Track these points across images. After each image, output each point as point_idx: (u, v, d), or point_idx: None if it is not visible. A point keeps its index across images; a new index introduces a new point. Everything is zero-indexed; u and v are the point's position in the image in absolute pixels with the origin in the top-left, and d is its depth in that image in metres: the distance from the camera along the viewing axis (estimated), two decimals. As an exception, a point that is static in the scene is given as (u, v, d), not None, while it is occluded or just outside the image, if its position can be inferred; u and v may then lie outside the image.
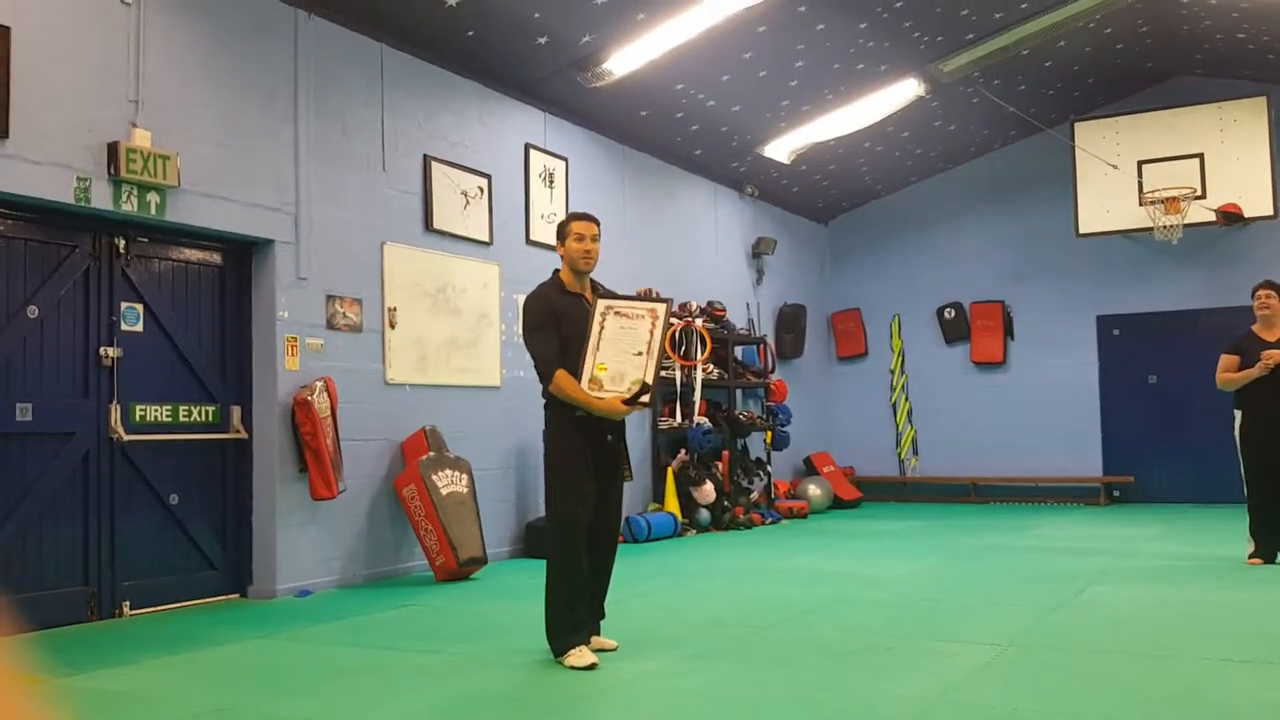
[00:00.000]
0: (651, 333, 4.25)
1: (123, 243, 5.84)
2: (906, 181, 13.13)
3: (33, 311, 5.43)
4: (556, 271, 4.58)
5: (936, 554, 7.71)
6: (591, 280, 4.60)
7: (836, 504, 12.05)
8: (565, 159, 9.02)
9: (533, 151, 8.63)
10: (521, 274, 8.34)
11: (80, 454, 5.59)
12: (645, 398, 4.19)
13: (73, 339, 5.61)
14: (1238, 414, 6.78)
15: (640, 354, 4.21)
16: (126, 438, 5.74)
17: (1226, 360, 6.77)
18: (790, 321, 12.52)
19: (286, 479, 6.41)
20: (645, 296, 4.38)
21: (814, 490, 11.70)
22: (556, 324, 4.34)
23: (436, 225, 7.58)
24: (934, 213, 13.07)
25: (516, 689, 3.95)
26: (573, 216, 4.57)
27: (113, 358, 5.75)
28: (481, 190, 8.05)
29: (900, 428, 13.26)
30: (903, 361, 13.32)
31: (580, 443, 4.30)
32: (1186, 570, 6.60)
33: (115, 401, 5.74)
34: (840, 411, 13.55)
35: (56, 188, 5.36)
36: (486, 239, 8.06)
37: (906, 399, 13.25)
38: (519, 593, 6.26)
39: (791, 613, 5.33)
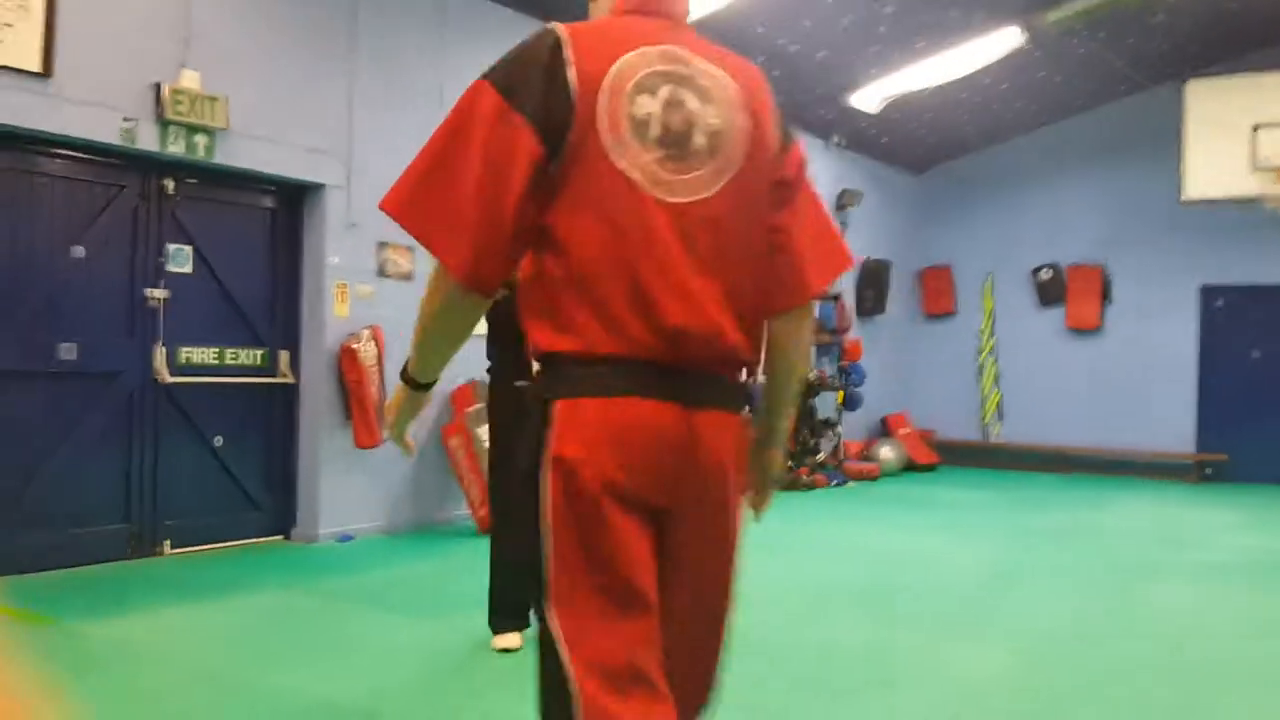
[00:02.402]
0: None
1: (171, 184, 5.83)
2: (1006, 135, 12.45)
3: (79, 251, 5.46)
4: None
5: (997, 532, 7.37)
6: None
7: (910, 467, 11.70)
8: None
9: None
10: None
11: (125, 394, 5.65)
12: None
13: (119, 280, 5.64)
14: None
15: None
16: (171, 379, 5.78)
17: None
18: (873, 277, 12.07)
19: (333, 425, 6.41)
20: None
21: (886, 453, 11.36)
22: None
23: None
24: (1033, 169, 12.39)
25: (506, 665, 3.85)
26: None
27: (159, 299, 5.77)
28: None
29: (985, 391, 12.76)
30: (993, 323, 12.77)
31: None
32: (1260, 569, 6.16)
33: (161, 343, 5.77)
34: (923, 372, 13.10)
35: (102, 128, 5.35)
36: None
37: (995, 361, 12.72)
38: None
39: (812, 600, 5.11)
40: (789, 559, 6.20)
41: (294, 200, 6.43)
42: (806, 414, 10.35)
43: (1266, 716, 3.49)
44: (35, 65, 5.08)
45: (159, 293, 5.77)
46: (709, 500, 1.67)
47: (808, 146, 10.90)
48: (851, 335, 11.23)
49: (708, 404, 1.65)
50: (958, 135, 12.26)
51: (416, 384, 1.81)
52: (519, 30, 7.90)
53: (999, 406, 12.62)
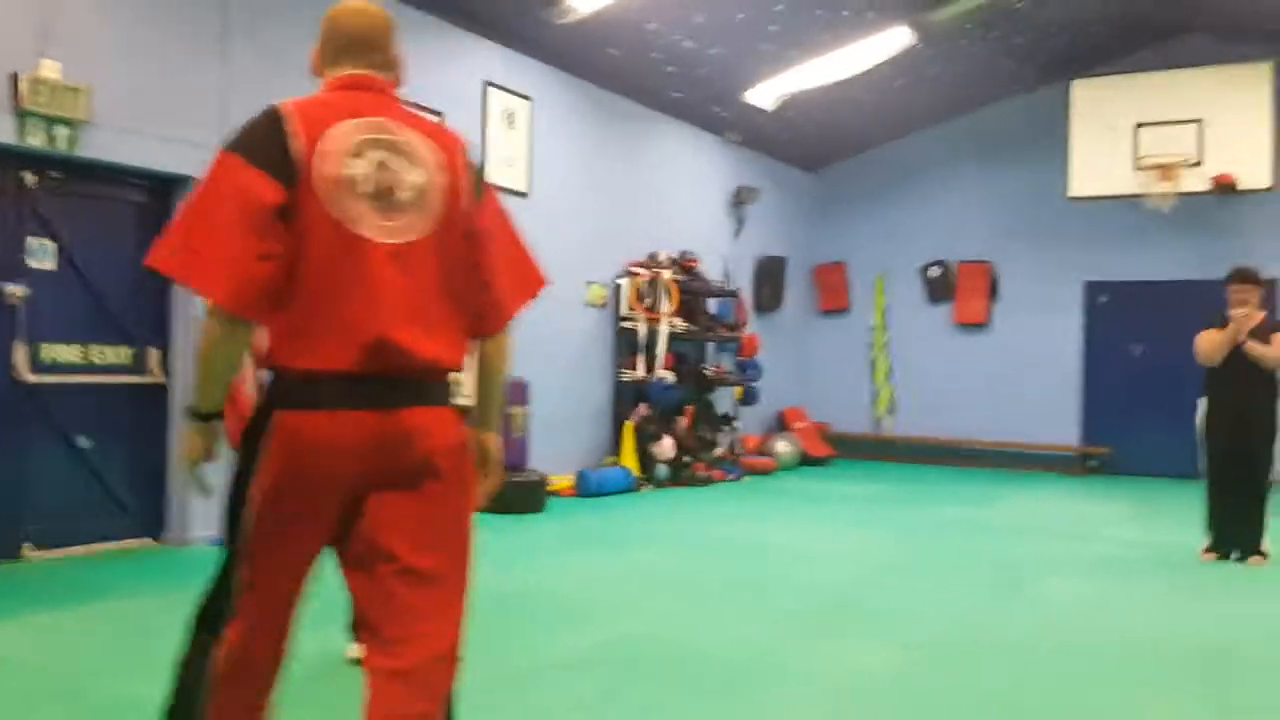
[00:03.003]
0: None
1: (31, 177, 5.59)
2: (899, 133, 12.69)
3: (-71, 247, 5.21)
4: None
5: (886, 526, 7.52)
6: None
7: (806, 461, 11.87)
8: (529, 98, 8.67)
9: (491, 90, 8.29)
10: (475, 219, 8.06)
11: (-20, 395, 5.41)
12: None
13: (-26, 276, 5.40)
14: (1201, 403, 6.50)
15: None
16: (33, 378, 5.55)
17: (1206, 333, 6.43)
18: (769, 274, 12.21)
19: (208, 425, 6.22)
20: None
21: (782, 447, 11.50)
22: None
23: (381, 166, 7.29)
24: (926, 167, 12.66)
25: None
26: None
27: (19, 296, 5.53)
28: (433, 130, 7.73)
29: (878, 385, 13.01)
30: (885, 318, 13.03)
31: None
32: (1142, 562, 6.38)
33: (21, 340, 5.54)
34: (818, 366, 13.30)
35: (-48, 118, 5.11)
36: (437, 181, 7.77)
37: (887, 356, 12.98)
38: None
39: (697, 598, 5.14)
40: (674, 554, 6.23)
41: (164, 193, 6.22)
42: (704, 408, 10.43)
43: (1141, 710, 3.61)
44: (-123, 50, 4.82)
45: (18, 289, 5.53)
46: (419, 481, 2.04)
47: (704, 142, 11.05)
48: (749, 331, 11.34)
49: (413, 404, 2.04)
50: (852, 133, 12.45)
51: (203, 416, 2.10)
52: (407, 24, 7.78)
53: (891, 400, 12.88)
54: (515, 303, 2.25)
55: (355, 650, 3.78)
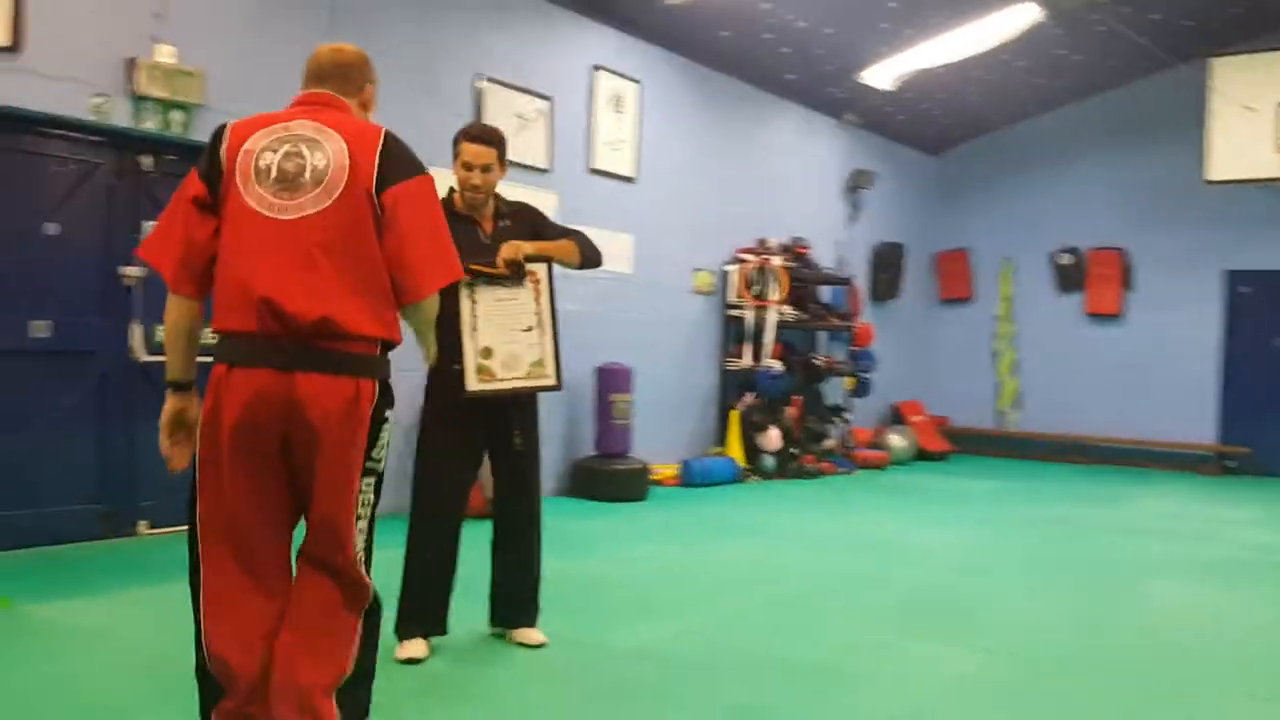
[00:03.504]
0: (538, 300, 3.66)
1: (149, 160, 5.75)
2: (1026, 115, 12.14)
3: (51, 229, 5.39)
4: (452, 189, 3.79)
5: (998, 525, 7.18)
6: (502, 202, 3.85)
7: (922, 456, 11.48)
8: (638, 81, 8.56)
9: (601, 73, 8.20)
10: (582, 203, 8.00)
11: (99, 373, 5.59)
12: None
13: (94, 258, 5.56)
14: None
15: (530, 329, 3.64)
16: (148, 358, 5.71)
17: None
18: (886, 261, 11.84)
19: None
20: (513, 262, 3.59)
21: (896, 440, 11.15)
22: None
23: (488, 150, 7.28)
24: (1054, 150, 12.08)
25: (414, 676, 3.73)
26: (464, 134, 3.72)
27: (135, 277, 5.70)
28: (541, 114, 7.69)
29: (1002, 379, 12.50)
30: (1011, 308, 12.50)
31: (446, 401, 3.66)
32: (1262, 566, 5.94)
33: (137, 321, 5.70)
34: (938, 358, 12.86)
35: (73, 104, 5.27)
36: (544, 166, 7.73)
37: (1011, 348, 12.46)
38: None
39: (788, 592, 4.95)
40: (771, 546, 6.05)
41: (276, 178, 6.32)
42: (813, 399, 10.17)
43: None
44: (4, 39, 5.00)
45: (135, 271, 5.69)
46: (314, 436, 2.38)
47: (819, 125, 10.75)
48: (862, 320, 11.01)
49: (305, 369, 2.37)
50: (975, 114, 11.97)
51: (174, 386, 2.59)
52: (516, 7, 7.74)
53: (1016, 394, 12.36)
54: (433, 282, 2.54)
55: (407, 648, 3.69)
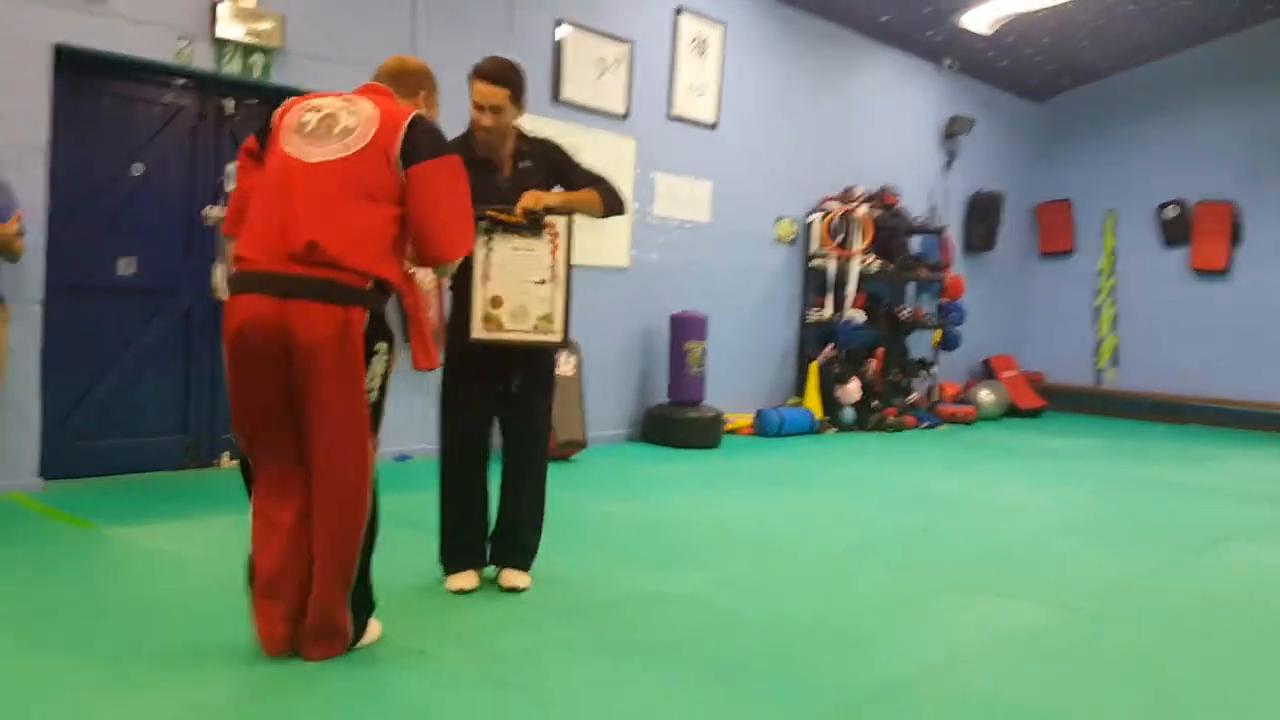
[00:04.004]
0: (554, 254, 3.61)
1: (231, 104, 5.89)
2: (1133, 61, 11.55)
3: (138, 169, 5.58)
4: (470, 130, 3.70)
5: (1082, 483, 6.98)
6: (523, 141, 3.72)
7: (1012, 412, 11.20)
8: (723, 24, 8.41)
9: (684, 15, 8.07)
10: (660, 150, 7.94)
11: (182, 310, 5.80)
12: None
13: (178, 198, 5.76)
14: None
15: (543, 281, 3.60)
16: (228, 297, 5.89)
17: None
18: (983, 211, 11.47)
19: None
20: (533, 212, 3.46)
21: (985, 396, 10.89)
22: None
23: (565, 96, 7.26)
24: (1163, 99, 11.49)
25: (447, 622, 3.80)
26: (475, 70, 3.58)
27: (217, 218, 5.87)
28: (620, 58, 7.63)
29: (1101, 335, 12.07)
30: (1113, 262, 12.03)
31: (459, 349, 3.71)
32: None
33: (220, 261, 5.88)
34: (1034, 312, 12.47)
35: (158, 48, 5.42)
36: (622, 112, 7.68)
37: (1113, 303, 12.00)
38: (603, 480, 6.12)
39: (849, 544, 4.90)
40: (839, 497, 5.99)
41: (355, 121, 6.42)
42: (897, 352, 9.98)
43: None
44: (91, -16, 5.15)
45: (218, 211, 5.86)
46: (308, 359, 2.76)
47: (915, 70, 10.39)
48: (954, 272, 10.72)
49: (302, 297, 2.73)
50: (1081, 60, 11.44)
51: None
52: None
53: (1114, 351, 11.93)
54: (453, 252, 3.01)
55: (456, 580, 3.77)
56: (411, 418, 6.58)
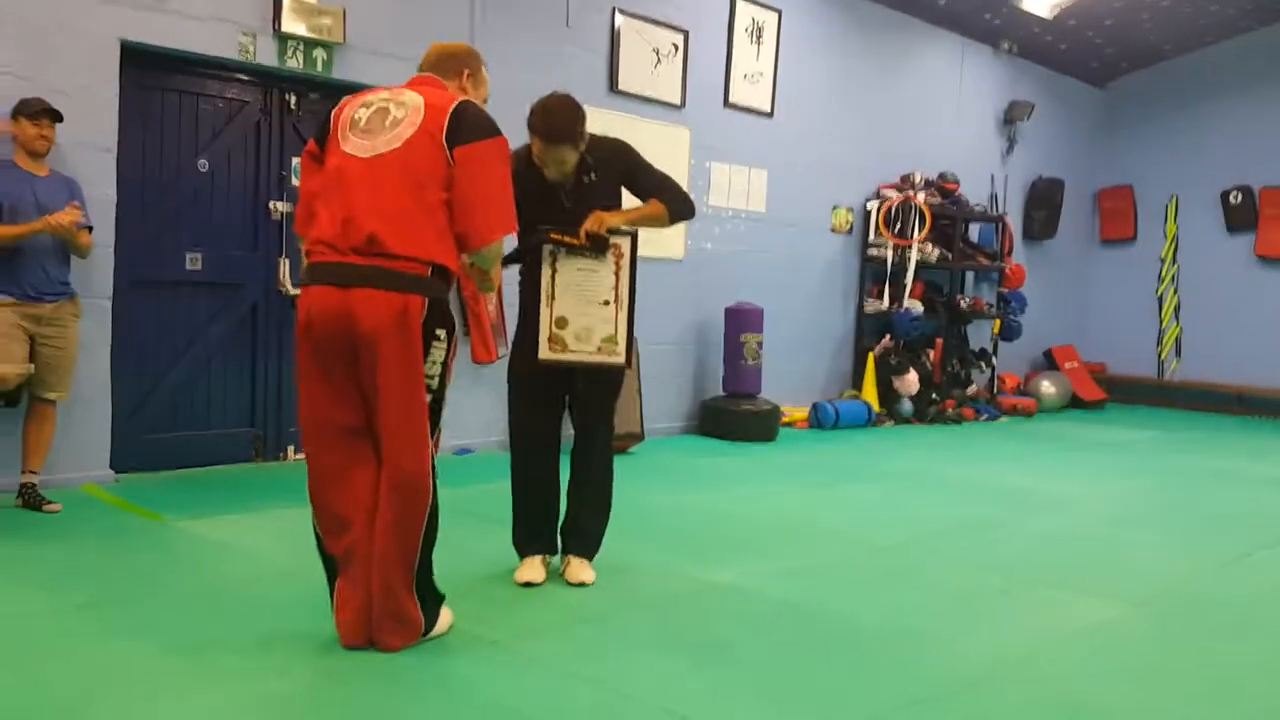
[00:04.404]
0: (617, 275, 3.62)
1: (293, 98, 5.94)
2: (1196, 44, 11.27)
3: (203, 165, 5.65)
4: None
5: (1147, 474, 6.84)
6: (591, 147, 3.65)
7: (1074, 404, 11.01)
8: (779, 10, 8.33)
9: (740, 2, 8.01)
10: (716, 139, 7.90)
11: (248, 304, 5.87)
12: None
13: (243, 193, 5.82)
14: None
15: (607, 303, 3.63)
16: (294, 291, 5.95)
17: None
18: (1044, 198, 11.28)
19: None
20: (595, 235, 3.55)
21: (1047, 387, 10.71)
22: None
23: (622, 86, 7.24)
24: (1226, 82, 11.20)
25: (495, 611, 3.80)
26: (536, 130, 3.52)
27: (282, 212, 5.93)
28: (676, 47, 7.59)
29: (1164, 324, 11.82)
30: (1176, 249, 11.77)
31: (523, 360, 3.76)
32: None
33: (284, 255, 5.95)
34: (1096, 302, 12.24)
35: (221, 44, 5.48)
36: (678, 101, 7.64)
37: (1175, 292, 11.75)
38: (662, 472, 6.10)
39: (906, 537, 4.83)
40: (895, 491, 5.92)
41: (414, 115, 6.45)
42: (956, 343, 9.85)
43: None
44: (158, -19, 5.22)
45: (282, 206, 5.93)
46: (371, 346, 2.87)
47: (973, 54, 10.21)
48: (1014, 260, 10.56)
49: (363, 286, 2.85)
50: (1143, 44, 11.19)
51: None
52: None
53: (1177, 341, 11.68)
54: (491, 233, 3.02)
55: (522, 573, 3.78)
56: (473, 411, 6.62)
